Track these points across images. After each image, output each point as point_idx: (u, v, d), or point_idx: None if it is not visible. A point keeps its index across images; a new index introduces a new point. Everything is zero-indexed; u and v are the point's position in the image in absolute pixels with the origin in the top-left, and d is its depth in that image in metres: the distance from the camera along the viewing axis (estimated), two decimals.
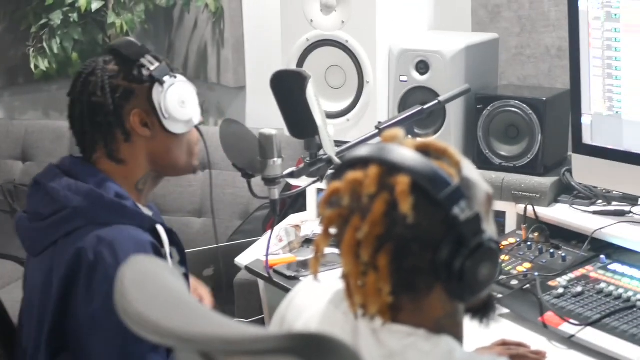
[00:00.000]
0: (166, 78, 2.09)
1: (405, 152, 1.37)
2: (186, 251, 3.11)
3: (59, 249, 1.99)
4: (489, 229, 1.41)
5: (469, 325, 1.53)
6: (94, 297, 1.92)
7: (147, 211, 2.13)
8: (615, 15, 2.46)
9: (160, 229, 2.07)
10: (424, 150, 1.39)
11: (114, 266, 1.90)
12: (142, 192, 2.16)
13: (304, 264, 2.71)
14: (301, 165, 2.44)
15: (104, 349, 1.93)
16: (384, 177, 1.34)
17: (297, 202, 3.44)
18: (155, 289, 1.33)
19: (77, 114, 2.09)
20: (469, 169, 1.43)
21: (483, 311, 1.52)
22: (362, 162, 1.38)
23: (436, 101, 2.64)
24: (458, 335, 1.45)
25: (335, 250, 1.43)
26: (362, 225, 1.34)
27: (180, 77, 2.13)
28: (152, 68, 2.08)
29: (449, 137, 2.91)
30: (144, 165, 2.12)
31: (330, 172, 2.42)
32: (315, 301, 1.53)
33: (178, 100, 2.10)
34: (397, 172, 1.34)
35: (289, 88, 2.38)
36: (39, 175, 2.11)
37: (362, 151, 1.40)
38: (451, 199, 1.33)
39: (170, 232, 2.11)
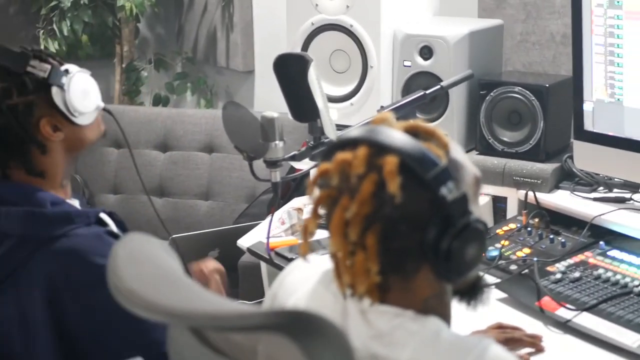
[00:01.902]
0: (63, 79, 2.00)
1: (393, 134, 1.38)
2: (191, 233, 3.15)
3: (21, 279, 1.95)
4: (476, 210, 1.43)
5: (465, 309, 1.55)
6: (93, 308, 1.91)
7: (75, 202, 2.11)
8: (618, 2, 2.46)
9: (104, 216, 2.05)
10: (413, 131, 1.41)
11: (90, 271, 1.90)
12: (66, 186, 2.11)
13: None
14: (303, 149, 2.46)
15: (123, 343, 1.93)
16: (373, 158, 1.36)
17: (301, 186, 3.46)
18: (147, 266, 1.35)
19: None
20: (457, 151, 1.45)
21: (471, 293, 1.54)
22: (351, 144, 1.39)
23: (439, 86, 2.64)
24: (446, 316, 1.46)
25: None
26: (351, 205, 1.35)
27: (70, 67, 2.04)
28: (44, 75, 1.98)
29: (451, 122, 2.92)
30: (63, 162, 2.07)
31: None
32: (306, 281, 1.55)
33: (82, 94, 2.03)
34: (386, 152, 1.35)
35: (291, 71, 2.39)
36: None
37: (352, 133, 1.42)
38: (438, 179, 1.35)
39: (110, 214, 2.10)
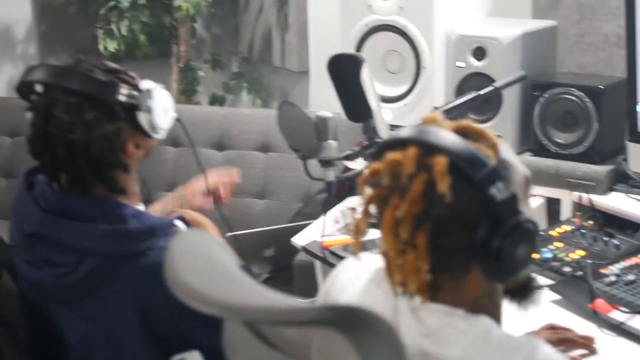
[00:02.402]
0: (148, 101, 2.01)
1: (443, 134, 1.39)
2: (247, 231, 3.18)
3: (106, 295, 1.97)
4: (526, 210, 1.43)
5: (516, 309, 1.56)
6: (181, 312, 1.91)
7: (142, 207, 2.13)
8: None
9: (178, 223, 2.06)
10: (462, 132, 1.42)
11: None
12: (137, 192, 2.12)
13: None
14: (357, 148, 2.48)
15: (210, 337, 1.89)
16: (423, 158, 1.37)
17: (355, 185, 3.45)
18: (203, 261, 1.38)
19: (71, 168, 2.00)
20: (507, 152, 1.45)
21: (521, 294, 1.55)
22: (401, 144, 1.41)
23: (491, 87, 2.65)
24: (496, 316, 1.47)
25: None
26: (401, 204, 1.37)
27: (149, 85, 2.04)
28: (133, 100, 2.00)
29: (504, 123, 2.92)
30: (135, 172, 2.09)
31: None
32: (358, 279, 1.57)
33: (163, 112, 2.05)
34: (435, 152, 1.37)
35: (345, 71, 2.41)
36: (30, 225, 2.02)
37: (401, 133, 1.44)
38: (488, 179, 1.36)
39: (181, 219, 2.11)
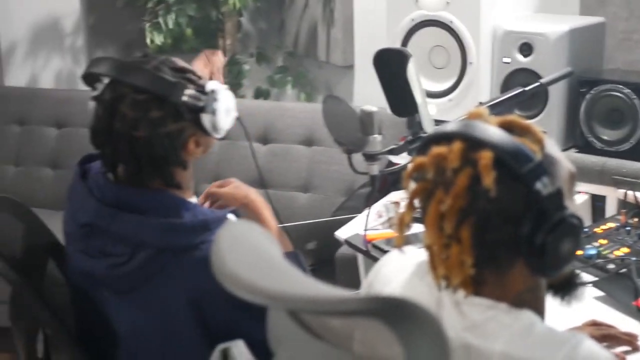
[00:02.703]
0: (213, 104, 2.02)
1: (488, 128, 1.40)
2: (290, 224, 3.19)
3: (158, 285, 1.98)
4: (571, 206, 1.43)
5: (559, 304, 1.57)
6: (231, 304, 1.83)
7: (195, 199, 2.14)
8: None
9: (232, 217, 2.06)
10: (508, 127, 1.42)
11: None
12: (192, 186, 2.13)
13: None
14: (401, 143, 2.48)
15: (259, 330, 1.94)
16: (468, 152, 1.38)
17: (399, 180, 3.47)
18: (249, 251, 1.39)
19: (132, 163, 2.00)
20: (552, 147, 1.45)
21: (565, 289, 1.55)
22: (447, 138, 1.41)
23: (538, 83, 2.64)
24: (540, 310, 1.47)
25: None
26: (446, 198, 1.37)
27: (214, 87, 2.04)
28: (200, 104, 2.00)
29: (550, 119, 2.91)
30: (192, 167, 2.10)
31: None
32: (401, 272, 1.58)
33: (226, 113, 2.05)
34: (481, 147, 1.37)
35: (391, 66, 2.42)
36: (85, 215, 2.04)
37: (447, 127, 1.44)
38: (533, 174, 1.36)
39: (233, 212, 2.12)
